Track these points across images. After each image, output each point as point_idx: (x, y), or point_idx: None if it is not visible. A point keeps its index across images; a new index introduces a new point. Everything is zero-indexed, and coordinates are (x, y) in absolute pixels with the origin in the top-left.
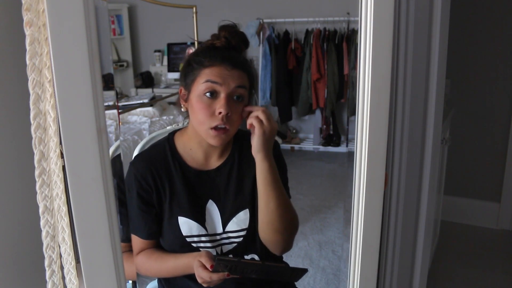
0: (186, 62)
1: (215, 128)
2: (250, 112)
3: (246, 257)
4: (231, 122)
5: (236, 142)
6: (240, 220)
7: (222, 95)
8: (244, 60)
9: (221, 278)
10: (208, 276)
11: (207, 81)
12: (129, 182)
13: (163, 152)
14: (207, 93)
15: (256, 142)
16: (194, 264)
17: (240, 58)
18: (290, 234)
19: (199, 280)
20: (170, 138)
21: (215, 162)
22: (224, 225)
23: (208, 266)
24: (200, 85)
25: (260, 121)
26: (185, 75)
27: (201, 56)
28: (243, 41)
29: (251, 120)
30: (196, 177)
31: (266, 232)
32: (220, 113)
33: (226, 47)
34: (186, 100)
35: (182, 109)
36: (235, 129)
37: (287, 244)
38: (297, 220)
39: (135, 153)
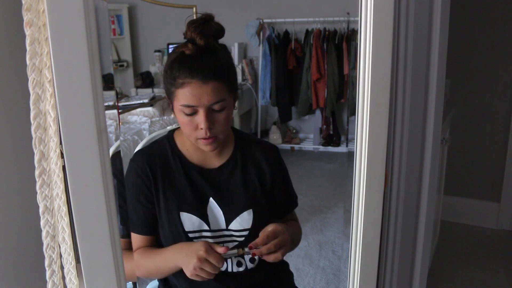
0: (163, 74)
1: (203, 138)
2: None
3: (246, 256)
4: (217, 131)
5: (238, 142)
6: (244, 220)
7: (201, 112)
8: (217, 66)
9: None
10: (219, 259)
11: (182, 105)
12: (130, 178)
13: (163, 148)
14: (186, 111)
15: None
16: (203, 249)
17: (212, 66)
18: (295, 247)
19: (208, 268)
20: (170, 135)
21: (215, 162)
22: (228, 223)
23: (220, 249)
24: (178, 106)
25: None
26: (165, 88)
27: (171, 73)
28: (214, 36)
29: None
30: (197, 174)
31: None
32: (201, 128)
33: (196, 53)
34: (172, 109)
35: (172, 116)
36: (224, 134)
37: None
38: (300, 232)
39: None
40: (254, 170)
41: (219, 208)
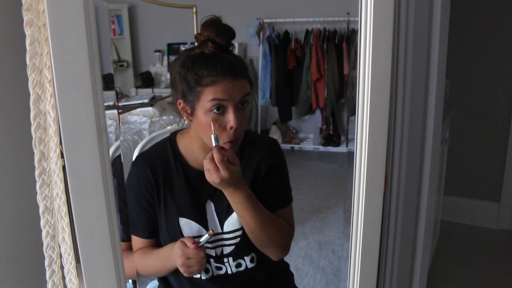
0: (177, 75)
1: (229, 142)
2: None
3: (246, 258)
4: (241, 131)
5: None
6: (234, 220)
7: (230, 109)
8: (241, 64)
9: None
10: (195, 252)
11: (213, 99)
12: (131, 182)
13: (165, 152)
14: (215, 109)
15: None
16: (180, 254)
17: (237, 64)
18: (279, 245)
19: (189, 262)
20: (172, 138)
21: None
22: (221, 225)
23: (192, 246)
24: (206, 103)
25: (207, 169)
26: (184, 91)
27: (197, 72)
28: (230, 35)
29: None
30: (198, 178)
31: (256, 245)
32: (231, 127)
33: (216, 52)
34: (190, 114)
35: (186, 122)
36: (243, 134)
37: (281, 253)
38: (285, 231)
39: (135, 153)
40: (250, 168)
41: (214, 210)
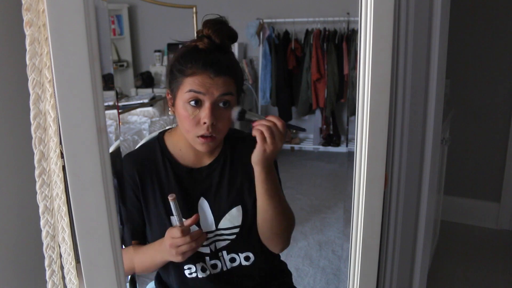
0: (169, 67)
1: (202, 136)
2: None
3: (241, 254)
4: (218, 130)
5: (228, 139)
6: (233, 217)
7: (207, 104)
8: (229, 63)
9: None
10: (184, 239)
11: (190, 90)
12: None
13: (153, 151)
14: (191, 102)
15: (255, 155)
16: (165, 238)
17: (224, 62)
18: (288, 234)
19: (181, 249)
20: (160, 137)
21: (206, 160)
22: (217, 222)
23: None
24: (184, 94)
25: (263, 138)
26: (169, 81)
27: (183, 63)
28: (229, 37)
29: (255, 133)
30: (188, 175)
31: (266, 235)
32: (205, 123)
33: (210, 48)
34: (173, 105)
35: (170, 113)
36: (223, 135)
37: (286, 243)
38: (293, 219)
39: None
40: (243, 165)
41: (208, 207)
